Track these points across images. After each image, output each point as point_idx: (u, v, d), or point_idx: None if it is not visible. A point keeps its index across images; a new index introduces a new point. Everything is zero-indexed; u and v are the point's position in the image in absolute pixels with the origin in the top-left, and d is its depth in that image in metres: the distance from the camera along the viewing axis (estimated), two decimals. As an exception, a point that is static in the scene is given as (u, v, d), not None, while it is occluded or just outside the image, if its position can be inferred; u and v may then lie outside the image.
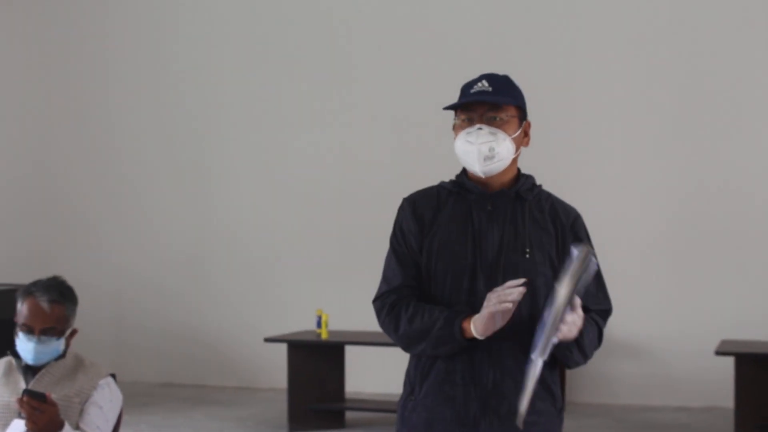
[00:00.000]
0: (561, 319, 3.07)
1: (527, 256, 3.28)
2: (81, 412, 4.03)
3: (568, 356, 3.29)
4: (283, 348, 9.34)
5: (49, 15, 11.98)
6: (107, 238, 11.74)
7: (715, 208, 10.03)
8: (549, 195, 3.43)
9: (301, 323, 10.14)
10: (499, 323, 3.12)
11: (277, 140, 11.24)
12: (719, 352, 8.30)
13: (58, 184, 11.94)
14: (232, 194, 11.39)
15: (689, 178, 10.10)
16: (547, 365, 3.26)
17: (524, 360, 3.17)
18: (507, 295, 3.09)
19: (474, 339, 3.18)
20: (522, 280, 3.12)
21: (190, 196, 11.53)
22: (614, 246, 9.95)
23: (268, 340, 9.19)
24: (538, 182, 3.44)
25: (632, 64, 10.25)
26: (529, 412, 3.14)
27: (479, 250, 3.29)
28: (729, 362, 8.53)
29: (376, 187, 10.56)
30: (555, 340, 3.09)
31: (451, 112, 3.42)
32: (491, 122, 3.30)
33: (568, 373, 9.87)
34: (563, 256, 3.30)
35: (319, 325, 9.13)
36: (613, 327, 9.99)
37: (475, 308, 3.20)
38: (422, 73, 10.69)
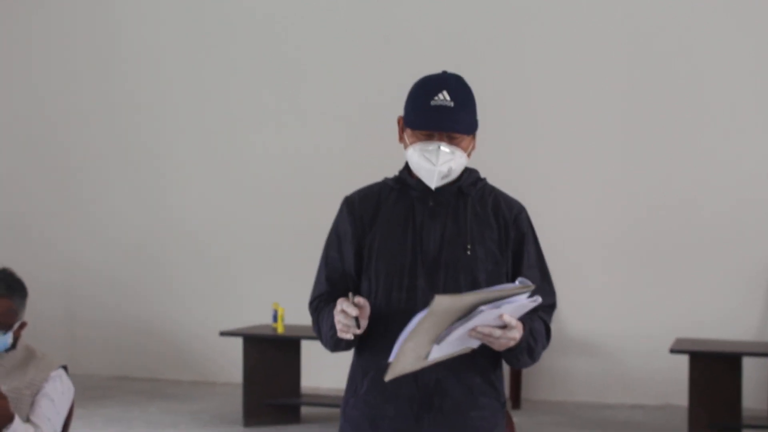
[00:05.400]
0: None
1: (468, 252, 3.24)
2: (32, 404, 3.99)
3: (514, 361, 3.28)
4: (238, 342, 9.30)
5: None
6: (59, 231, 11.63)
7: (672, 208, 10.08)
8: (493, 189, 3.38)
9: (257, 317, 10.10)
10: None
11: (230, 132, 11.20)
12: (674, 351, 8.35)
13: (6, 177, 11.80)
14: (185, 186, 11.32)
15: (647, 180, 10.14)
16: (490, 362, 3.28)
17: (466, 359, 3.17)
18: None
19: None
20: None
21: (142, 189, 11.45)
22: (572, 245, 10.00)
23: (223, 334, 9.15)
24: (482, 176, 3.40)
25: (598, 63, 10.27)
26: (473, 407, 3.23)
27: (419, 247, 3.26)
28: (683, 360, 8.59)
29: (331, 181, 10.50)
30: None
31: (399, 104, 3.37)
32: (451, 140, 3.24)
33: (524, 370, 9.90)
34: (506, 250, 3.29)
35: (275, 319, 9.10)
36: (569, 325, 10.12)
37: (415, 305, 3.17)
38: (375, 69, 10.67)
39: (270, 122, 11.08)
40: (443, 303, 2.90)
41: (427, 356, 3.04)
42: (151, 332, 11.32)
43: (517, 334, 3.10)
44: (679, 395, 9.24)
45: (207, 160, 11.27)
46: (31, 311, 4.14)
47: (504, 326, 3.07)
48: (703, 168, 10.04)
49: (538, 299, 3.07)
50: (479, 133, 3.34)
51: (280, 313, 9.04)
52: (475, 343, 3.13)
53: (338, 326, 3.14)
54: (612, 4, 10.27)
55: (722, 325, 9.63)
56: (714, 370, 8.27)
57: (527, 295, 3.03)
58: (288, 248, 10.91)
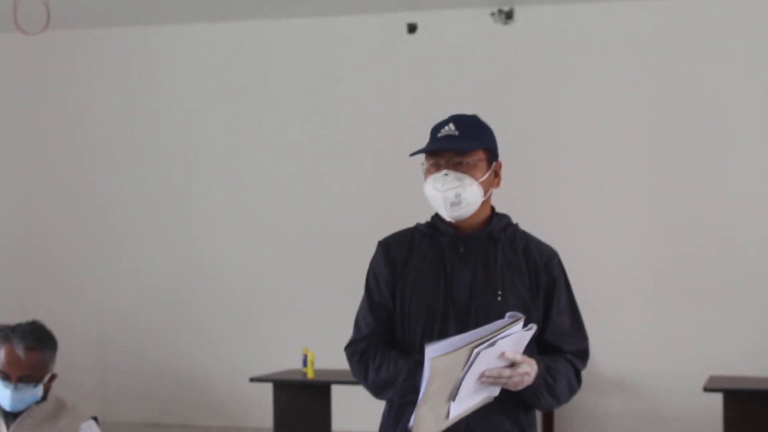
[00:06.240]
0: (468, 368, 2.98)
1: (499, 298, 3.24)
2: (63, 455, 3.99)
3: (534, 401, 3.25)
4: (268, 387, 9.27)
5: (22, 68, 11.87)
6: (89, 279, 11.64)
7: (705, 245, 10.02)
8: (524, 234, 3.39)
9: (287, 362, 10.07)
10: None
11: (260, 178, 11.21)
12: (707, 389, 8.27)
13: (38, 225, 11.84)
14: (215, 233, 11.33)
15: (678, 217, 10.10)
16: (521, 407, 3.25)
17: (497, 404, 3.14)
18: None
19: None
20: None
21: (172, 236, 11.46)
22: (601, 282, 9.94)
23: (253, 379, 9.13)
24: (514, 221, 3.40)
25: (626, 100, 10.26)
26: None
27: (450, 294, 3.26)
28: (717, 399, 8.50)
29: (361, 225, 10.52)
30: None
31: None
32: (458, 167, 3.25)
33: (556, 409, 9.81)
34: (538, 296, 3.28)
35: (305, 364, 9.07)
36: (600, 363, 10.04)
37: None
38: (406, 112, 10.68)
39: (299, 167, 11.09)
40: (442, 363, 2.88)
41: (447, 415, 3.01)
42: (182, 379, 11.31)
43: (527, 368, 3.09)
44: (714, 434, 9.15)
45: (236, 206, 11.29)
46: (62, 359, 4.14)
47: (511, 364, 3.06)
48: (736, 204, 9.98)
49: (534, 326, 3.05)
50: (505, 174, 3.34)
51: (310, 358, 9.01)
52: (495, 391, 3.11)
53: None
54: (638, 47, 10.26)
55: (756, 362, 9.54)
56: (748, 408, 8.18)
57: (521, 325, 3.01)
58: (317, 293, 10.89)
